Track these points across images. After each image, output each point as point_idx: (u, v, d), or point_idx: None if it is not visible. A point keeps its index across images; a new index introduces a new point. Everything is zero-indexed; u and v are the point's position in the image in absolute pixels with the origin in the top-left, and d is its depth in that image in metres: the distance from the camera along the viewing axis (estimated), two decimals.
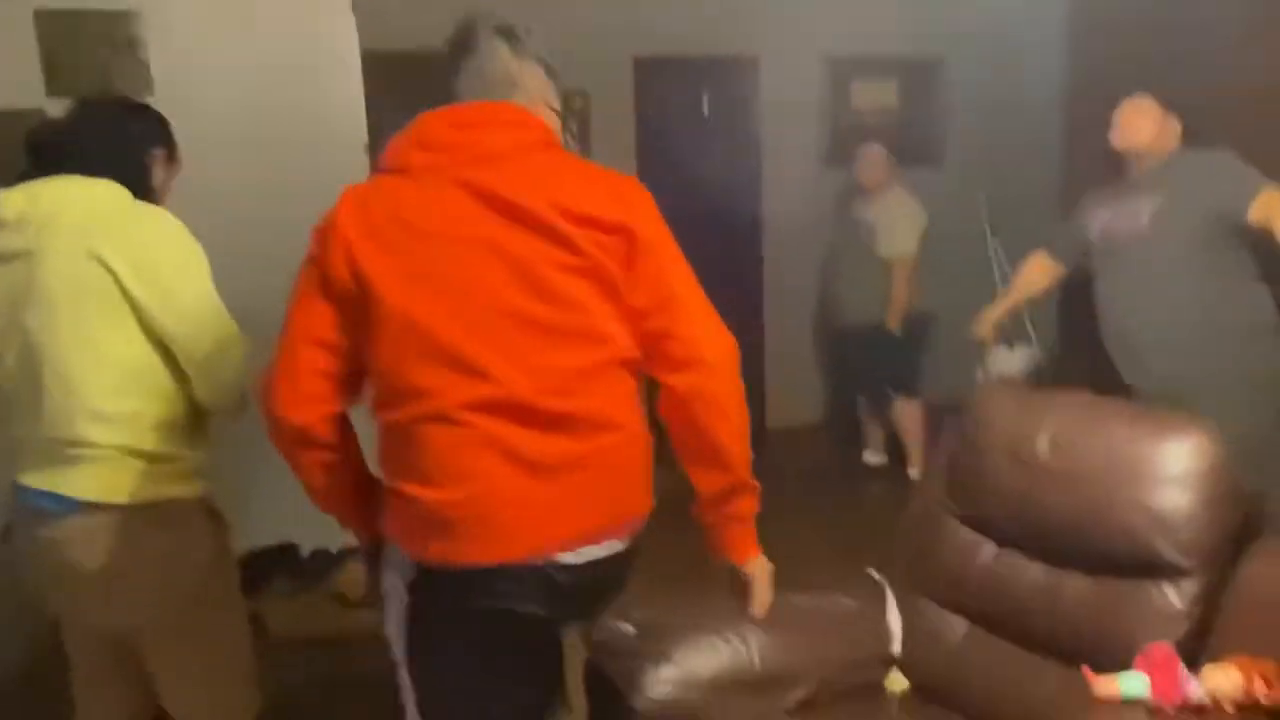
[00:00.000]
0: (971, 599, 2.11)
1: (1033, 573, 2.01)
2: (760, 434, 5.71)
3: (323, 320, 1.60)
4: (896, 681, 2.16)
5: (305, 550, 2.89)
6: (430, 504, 1.52)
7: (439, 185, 1.55)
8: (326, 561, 2.82)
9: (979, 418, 2.15)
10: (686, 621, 2.09)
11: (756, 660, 2.05)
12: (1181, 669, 1.64)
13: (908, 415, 4.81)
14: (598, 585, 1.63)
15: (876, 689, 2.16)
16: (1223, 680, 1.61)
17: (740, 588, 1.76)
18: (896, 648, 2.19)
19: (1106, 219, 3.03)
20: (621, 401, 1.58)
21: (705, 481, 1.62)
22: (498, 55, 1.64)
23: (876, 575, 2.31)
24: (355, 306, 1.56)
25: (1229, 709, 1.60)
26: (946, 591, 2.16)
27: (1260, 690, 1.60)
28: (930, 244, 4.78)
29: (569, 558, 1.55)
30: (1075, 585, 1.93)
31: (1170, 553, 1.79)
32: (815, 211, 5.38)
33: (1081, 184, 3.74)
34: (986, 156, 5.60)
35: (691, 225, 6.27)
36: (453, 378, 1.51)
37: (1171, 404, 2.67)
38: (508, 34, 1.65)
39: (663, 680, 1.97)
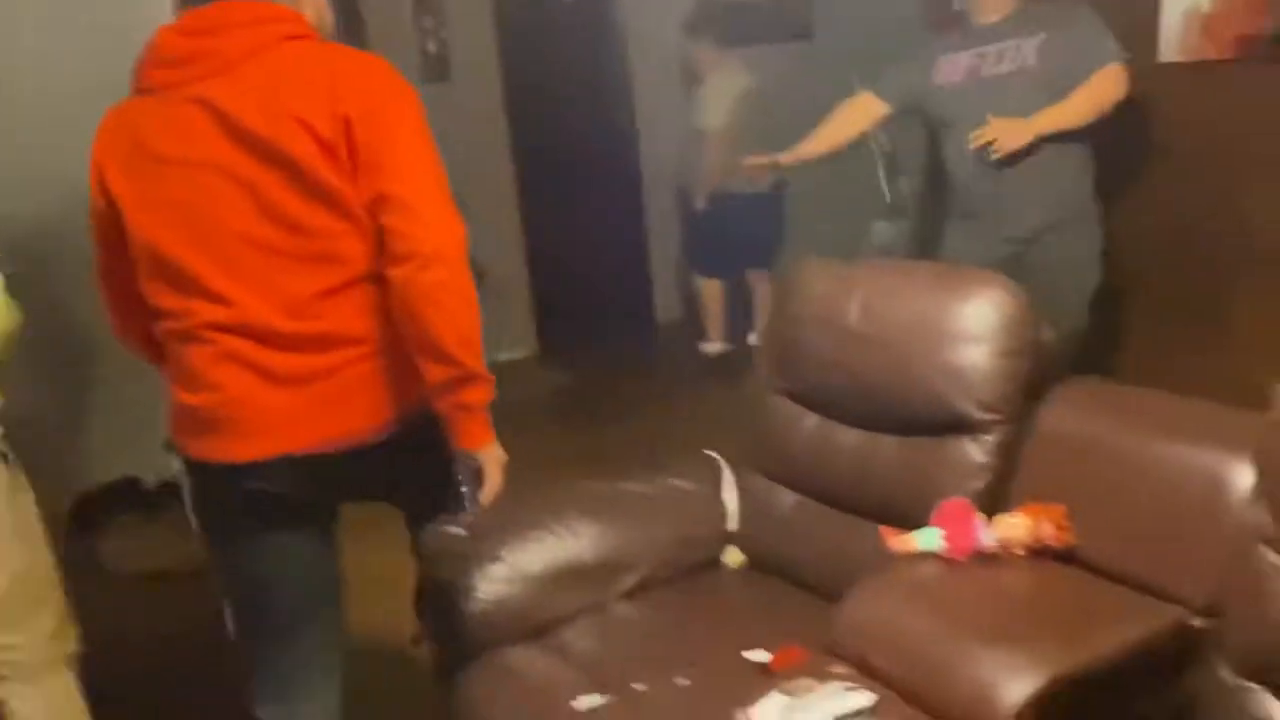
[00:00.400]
0: (798, 470, 2.12)
1: (850, 440, 2.02)
2: (649, 328, 5.76)
3: (110, 246, 1.65)
4: (733, 556, 2.19)
5: (150, 483, 2.81)
6: (187, 406, 1.62)
7: (176, 104, 1.54)
8: (173, 493, 2.74)
9: (793, 291, 2.14)
10: (519, 519, 2.07)
11: (588, 550, 2.05)
12: (976, 520, 1.67)
13: (703, 290, 4.91)
14: (365, 471, 1.66)
15: (714, 565, 2.19)
16: (1013, 528, 1.65)
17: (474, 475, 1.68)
18: (733, 524, 2.21)
19: (971, 61, 2.94)
20: (365, 316, 1.59)
21: (429, 372, 1.58)
22: None
23: (714, 455, 2.32)
24: (119, 230, 1.59)
25: (1020, 553, 1.64)
26: (775, 465, 2.17)
27: (1048, 534, 1.64)
28: (799, 122, 4.71)
29: (325, 450, 1.61)
30: (887, 448, 1.95)
31: (970, 408, 1.81)
32: (685, 90, 5.26)
33: None
34: (858, 30, 5.49)
35: (561, 113, 6.08)
36: (195, 302, 1.57)
37: (1024, 259, 2.79)
38: None
39: (492, 579, 1.95)
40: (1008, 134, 2.73)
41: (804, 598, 2.01)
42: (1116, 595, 1.54)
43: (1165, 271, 3.35)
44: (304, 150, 1.49)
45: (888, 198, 4.30)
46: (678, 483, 2.23)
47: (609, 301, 5.49)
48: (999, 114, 2.82)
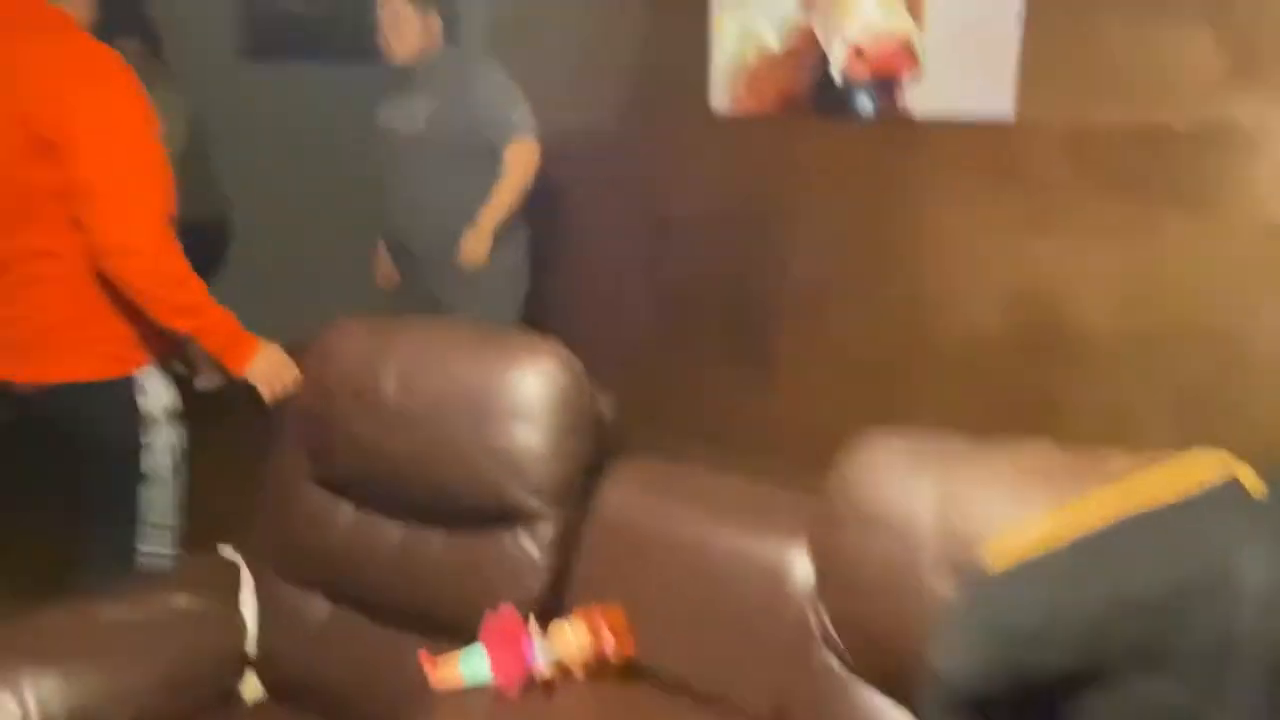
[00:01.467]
0: (331, 574, 1.76)
1: (393, 535, 1.70)
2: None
3: None
4: (254, 687, 1.77)
5: None
6: None
7: None
8: None
9: (324, 354, 1.78)
10: None
11: (40, 714, 1.53)
12: (529, 637, 1.42)
13: None
14: (63, 408, 2.01)
15: (231, 698, 1.76)
16: (570, 644, 1.41)
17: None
18: (254, 645, 1.79)
19: (387, 115, 3.08)
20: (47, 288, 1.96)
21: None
22: None
23: (232, 554, 1.89)
24: None
25: (579, 674, 1.41)
26: (305, 568, 1.79)
27: (608, 645, 1.43)
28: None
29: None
30: (433, 545, 1.65)
31: (522, 496, 1.56)
32: (240, 113, 4.65)
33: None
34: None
35: None
36: None
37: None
38: None
39: None
40: (473, 253, 3.01)
41: None
42: (678, 716, 1.36)
43: (719, 317, 3.43)
44: (25, 145, 1.87)
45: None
46: (178, 600, 1.77)
47: None
48: (400, 171, 3.04)
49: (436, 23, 3.00)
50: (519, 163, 2.99)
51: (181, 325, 1.98)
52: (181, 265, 1.95)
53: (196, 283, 1.98)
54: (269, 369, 2.04)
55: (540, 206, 3.30)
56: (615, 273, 3.67)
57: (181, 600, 1.77)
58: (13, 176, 1.91)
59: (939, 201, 2.99)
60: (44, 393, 1.99)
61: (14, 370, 2.00)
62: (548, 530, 1.58)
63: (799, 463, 3.12)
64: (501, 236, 3.05)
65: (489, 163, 2.99)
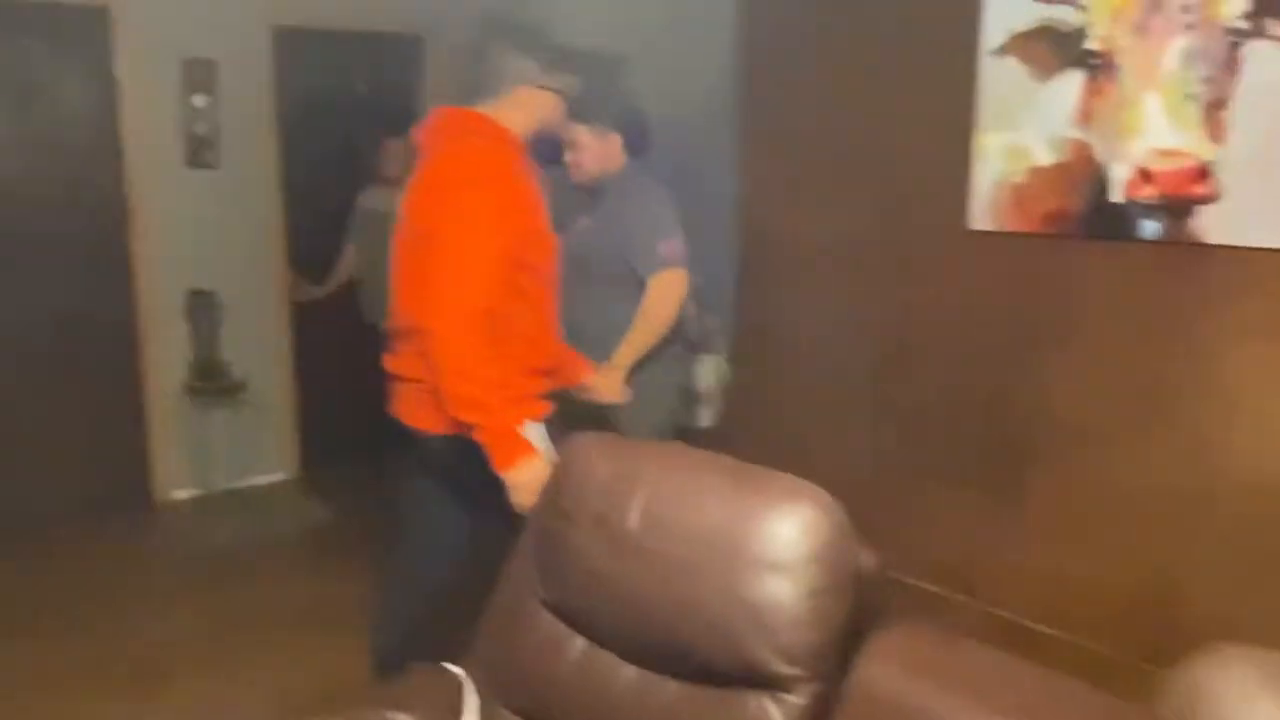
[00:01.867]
0: (555, 709, 1.65)
1: (624, 678, 1.57)
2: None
3: None
4: None
5: None
6: None
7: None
8: None
9: (570, 476, 1.70)
10: None
11: None
12: None
13: None
14: (435, 453, 2.32)
15: None
16: None
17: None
18: None
19: (569, 227, 3.02)
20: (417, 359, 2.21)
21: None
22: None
23: (456, 671, 1.82)
24: None
25: None
26: (527, 697, 1.69)
27: None
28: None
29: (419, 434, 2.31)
30: (667, 695, 1.51)
31: (769, 658, 1.40)
32: None
33: (757, 191, 3.50)
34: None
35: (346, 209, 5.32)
36: None
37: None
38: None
39: None
40: (606, 389, 2.79)
41: None
42: None
43: (962, 446, 3.18)
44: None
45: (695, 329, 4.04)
46: (398, 716, 1.71)
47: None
48: (566, 280, 2.92)
49: (616, 142, 2.90)
50: (659, 296, 2.81)
51: (457, 413, 2.09)
52: (469, 358, 2.06)
53: (483, 379, 2.07)
54: (530, 480, 2.07)
55: (759, 313, 3.20)
56: (842, 392, 3.49)
57: (401, 717, 1.72)
58: (415, 259, 2.18)
59: (1231, 339, 2.65)
60: (435, 439, 2.25)
61: (414, 419, 2.30)
62: (797, 700, 1.41)
63: (1047, 613, 2.80)
64: (644, 363, 2.88)
65: (634, 292, 2.83)
